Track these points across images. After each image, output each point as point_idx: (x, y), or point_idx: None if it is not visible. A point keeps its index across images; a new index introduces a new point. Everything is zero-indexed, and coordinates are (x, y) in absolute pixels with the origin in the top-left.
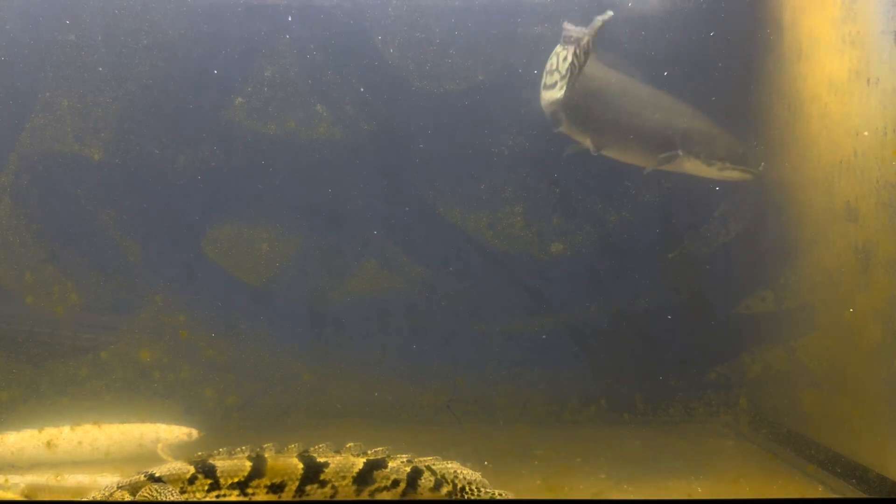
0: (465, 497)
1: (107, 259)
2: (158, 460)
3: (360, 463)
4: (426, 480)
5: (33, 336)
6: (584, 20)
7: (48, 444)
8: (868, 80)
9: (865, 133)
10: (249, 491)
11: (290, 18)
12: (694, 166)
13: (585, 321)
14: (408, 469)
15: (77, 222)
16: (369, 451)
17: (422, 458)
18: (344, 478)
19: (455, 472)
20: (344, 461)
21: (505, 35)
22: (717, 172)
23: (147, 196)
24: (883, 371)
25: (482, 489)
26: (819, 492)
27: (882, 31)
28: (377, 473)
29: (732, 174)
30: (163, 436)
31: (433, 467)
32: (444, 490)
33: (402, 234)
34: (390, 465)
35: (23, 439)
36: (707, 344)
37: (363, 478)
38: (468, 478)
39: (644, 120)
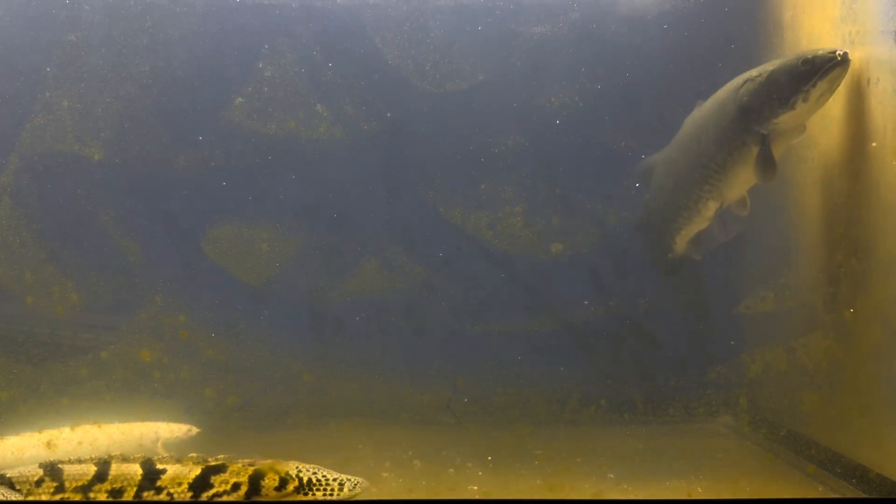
0: (314, 490)
1: (107, 259)
2: (159, 459)
3: (197, 469)
4: (270, 480)
5: (33, 336)
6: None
7: (48, 444)
8: (868, 80)
9: (866, 133)
10: (91, 495)
11: (290, 19)
12: (788, 122)
13: (585, 321)
14: (249, 472)
15: (77, 222)
16: (210, 459)
17: (264, 461)
18: (180, 484)
19: (299, 468)
20: (181, 468)
21: (505, 35)
22: (812, 102)
23: (147, 196)
24: (883, 371)
25: (330, 478)
26: (819, 492)
27: (882, 31)
28: (215, 478)
29: (824, 86)
30: (162, 433)
31: (276, 467)
32: (291, 486)
33: (402, 234)
34: (230, 468)
35: (23, 439)
36: (707, 344)
37: (200, 483)
38: (314, 471)
39: (704, 146)
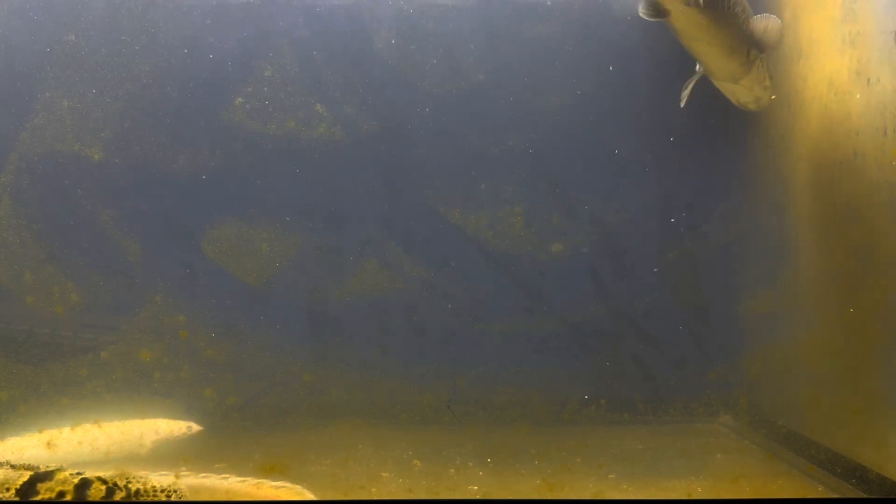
0: (141, 499)
1: (107, 259)
2: (159, 457)
3: (25, 475)
4: (96, 490)
5: (33, 336)
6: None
7: (48, 444)
8: (868, 80)
9: (865, 133)
10: None
11: (290, 19)
12: None
13: (585, 321)
14: (76, 481)
15: (77, 222)
16: (41, 467)
17: (94, 473)
18: (8, 489)
19: (128, 478)
20: (9, 474)
21: (505, 35)
22: None
23: (147, 196)
24: (883, 371)
25: (158, 488)
26: (819, 492)
27: (882, 31)
28: (41, 486)
29: None
30: (163, 431)
31: (104, 477)
32: (118, 496)
33: (402, 234)
34: (57, 477)
35: (23, 439)
36: (707, 344)
37: (26, 490)
38: (144, 482)
39: None
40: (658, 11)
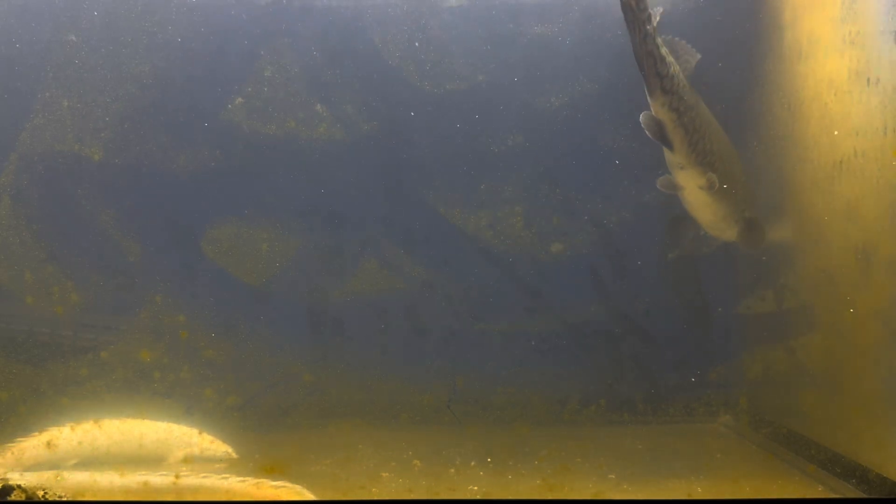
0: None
1: (107, 259)
2: (160, 457)
3: None
4: (17, 495)
5: (33, 336)
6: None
7: (48, 444)
8: (868, 80)
9: (865, 133)
10: None
11: (290, 19)
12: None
13: (585, 321)
14: None
15: (77, 222)
16: None
17: (11, 477)
18: None
19: (45, 488)
20: None
21: (505, 35)
22: None
23: (147, 196)
24: (883, 371)
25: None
26: (819, 492)
27: (882, 31)
28: None
29: None
30: (195, 444)
31: (23, 485)
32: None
33: (402, 234)
34: None
35: (23, 439)
36: (707, 344)
37: None
38: (56, 491)
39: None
40: (674, 186)
